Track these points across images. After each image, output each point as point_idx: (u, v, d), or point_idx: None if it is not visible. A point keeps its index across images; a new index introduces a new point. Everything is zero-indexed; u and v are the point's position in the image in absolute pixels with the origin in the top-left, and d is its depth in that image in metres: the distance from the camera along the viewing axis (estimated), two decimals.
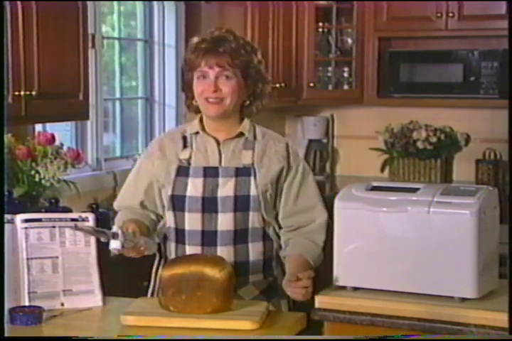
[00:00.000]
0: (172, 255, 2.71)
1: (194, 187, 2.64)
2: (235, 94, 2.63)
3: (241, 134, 2.70)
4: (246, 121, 2.71)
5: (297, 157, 2.73)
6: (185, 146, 2.71)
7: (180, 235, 2.68)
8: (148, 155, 2.78)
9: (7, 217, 2.50)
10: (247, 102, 2.69)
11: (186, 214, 2.65)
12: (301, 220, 2.70)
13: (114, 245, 2.45)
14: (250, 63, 2.65)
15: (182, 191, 2.65)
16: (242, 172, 2.65)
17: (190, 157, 2.69)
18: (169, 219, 2.69)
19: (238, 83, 2.62)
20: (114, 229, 2.49)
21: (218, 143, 2.69)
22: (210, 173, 2.65)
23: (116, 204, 2.84)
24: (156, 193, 2.73)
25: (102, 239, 2.49)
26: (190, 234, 2.66)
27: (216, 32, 2.66)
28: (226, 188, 2.63)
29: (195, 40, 2.66)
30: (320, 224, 2.71)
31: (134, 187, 2.77)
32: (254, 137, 2.71)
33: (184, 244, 2.67)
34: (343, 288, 2.54)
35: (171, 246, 2.71)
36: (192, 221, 2.65)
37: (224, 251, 2.63)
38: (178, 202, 2.66)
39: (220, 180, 2.64)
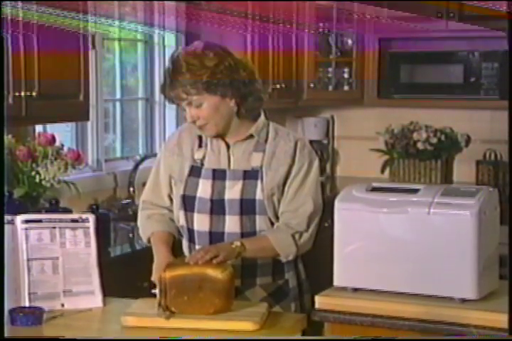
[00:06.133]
0: (186, 253, 2.73)
1: (204, 188, 2.66)
2: (216, 114, 2.61)
3: (252, 136, 2.69)
4: (259, 122, 2.69)
5: (303, 156, 2.67)
6: (200, 146, 2.72)
7: (191, 234, 2.71)
8: (168, 147, 2.79)
9: (7, 217, 2.50)
10: (235, 107, 2.63)
11: (195, 214, 2.68)
12: (289, 217, 2.66)
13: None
14: (212, 78, 2.56)
15: (193, 192, 2.67)
16: (250, 175, 2.65)
17: (203, 157, 2.70)
18: (181, 218, 2.72)
19: (211, 103, 2.59)
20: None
21: (228, 145, 2.69)
22: (219, 176, 2.66)
23: (143, 198, 2.84)
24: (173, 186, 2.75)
25: None
26: (198, 234, 2.69)
27: (169, 64, 2.67)
28: (233, 191, 2.64)
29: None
30: (304, 215, 2.66)
31: (158, 181, 2.79)
32: (267, 138, 2.69)
33: (194, 243, 2.70)
34: (344, 288, 2.54)
35: (185, 244, 2.74)
36: (200, 221, 2.67)
37: None
38: (188, 203, 2.68)
39: (228, 182, 2.65)
